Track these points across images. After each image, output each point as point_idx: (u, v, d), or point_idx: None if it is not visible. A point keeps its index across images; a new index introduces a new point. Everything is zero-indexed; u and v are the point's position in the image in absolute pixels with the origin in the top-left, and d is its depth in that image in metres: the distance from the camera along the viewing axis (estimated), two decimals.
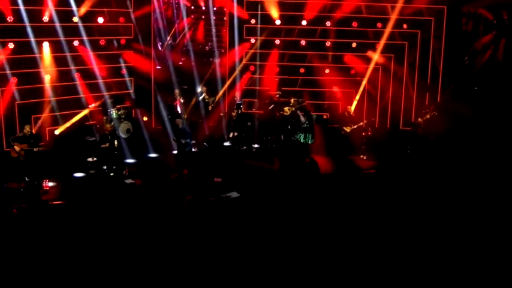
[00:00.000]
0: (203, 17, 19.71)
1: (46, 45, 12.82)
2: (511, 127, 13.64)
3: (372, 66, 15.28)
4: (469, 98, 14.50)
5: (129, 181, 11.32)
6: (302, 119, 12.97)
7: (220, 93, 15.74)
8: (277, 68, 15.73)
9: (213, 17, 17.85)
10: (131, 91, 15.12)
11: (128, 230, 8.32)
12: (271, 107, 14.61)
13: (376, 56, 15.19)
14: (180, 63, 15.57)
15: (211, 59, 17.67)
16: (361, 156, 13.27)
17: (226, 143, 14.39)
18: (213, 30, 18.16)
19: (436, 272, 7.13)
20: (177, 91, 14.67)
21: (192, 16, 19.65)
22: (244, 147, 14.10)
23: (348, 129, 13.51)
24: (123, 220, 8.84)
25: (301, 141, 12.79)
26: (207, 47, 19.59)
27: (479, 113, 13.92)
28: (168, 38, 18.78)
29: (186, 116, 14.03)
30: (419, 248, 7.85)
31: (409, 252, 7.67)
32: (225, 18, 16.18)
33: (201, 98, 14.75)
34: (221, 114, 14.96)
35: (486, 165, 11.95)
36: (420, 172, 11.96)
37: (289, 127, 13.82)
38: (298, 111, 13.23)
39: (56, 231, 8.33)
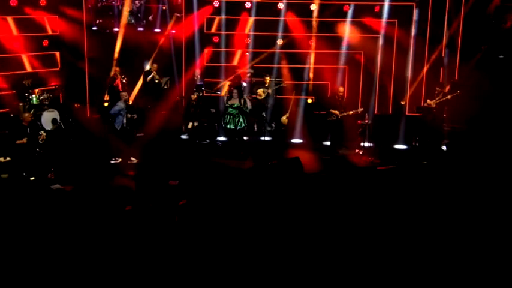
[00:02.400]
0: None
1: None
2: None
3: (369, 35, 15.61)
4: (492, 70, 14.72)
5: (55, 187, 11.17)
6: (248, 104, 13.73)
7: (175, 71, 15.88)
8: (248, 38, 15.89)
9: None
10: (57, 69, 15.13)
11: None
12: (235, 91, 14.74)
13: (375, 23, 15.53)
14: (116, 29, 15.76)
15: (162, 27, 17.65)
16: (357, 150, 13.47)
17: (184, 136, 14.56)
18: None
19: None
20: (117, 68, 14.79)
21: None
22: (207, 141, 14.31)
23: (336, 113, 13.53)
24: (51, 241, 8.30)
25: (231, 127, 13.42)
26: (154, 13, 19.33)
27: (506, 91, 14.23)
28: None
29: (130, 102, 14.10)
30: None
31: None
32: None
33: (150, 77, 14.86)
34: (177, 98, 15.05)
35: None
36: (431, 171, 11.86)
37: (263, 114, 14.09)
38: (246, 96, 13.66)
39: None
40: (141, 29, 16.54)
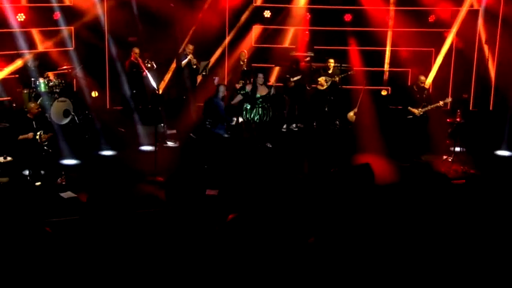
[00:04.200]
0: None
1: None
2: None
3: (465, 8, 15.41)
4: None
5: (67, 195, 11.17)
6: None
7: (217, 53, 15.97)
8: (308, 13, 15.94)
9: None
10: (71, 48, 15.33)
11: None
12: (296, 78, 14.79)
13: None
14: None
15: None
16: (445, 156, 13.16)
17: (226, 134, 14.43)
18: None
19: None
20: (136, 50, 14.90)
21: None
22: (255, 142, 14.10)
23: (418, 112, 13.40)
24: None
25: (256, 121, 13.50)
26: None
27: None
28: None
29: (160, 91, 14.64)
30: None
31: None
32: None
33: (185, 61, 14.92)
34: (214, 81, 15.13)
35: None
36: None
37: (326, 109, 14.08)
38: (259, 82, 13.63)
39: None
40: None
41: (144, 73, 14.74)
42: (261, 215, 9.00)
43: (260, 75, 13.53)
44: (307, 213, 9.41)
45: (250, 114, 13.56)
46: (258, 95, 13.50)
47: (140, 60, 14.80)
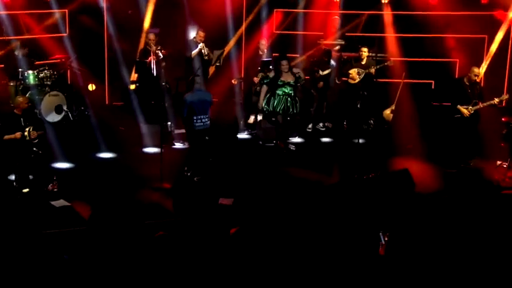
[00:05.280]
0: None
1: None
2: None
3: None
4: None
5: (59, 203, 11.21)
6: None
7: (232, 42, 16.07)
8: None
9: None
10: (65, 34, 15.43)
11: None
12: (326, 72, 14.78)
13: None
14: None
15: None
16: (498, 162, 13.00)
17: (243, 134, 14.76)
18: None
19: None
20: (151, 36, 14.91)
21: None
22: (274, 143, 14.25)
23: (469, 110, 13.18)
24: None
25: (280, 112, 13.57)
26: None
27: None
28: None
29: (168, 85, 14.68)
30: None
31: None
32: None
33: (195, 51, 14.87)
34: (233, 81, 15.22)
35: None
36: None
37: (358, 106, 13.93)
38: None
39: None
40: None
41: (154, 61, 14.75)
42: (270, 229, 9.42)
43: (284, 62, 13.59)
44: (337, 226, 9.76)
45: (273, 104, 13.50)
46: (281, 82, 13.44)
47: (153, 47, 14.79)
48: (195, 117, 12.36)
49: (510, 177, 12.50)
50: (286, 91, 13.44)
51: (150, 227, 9.62)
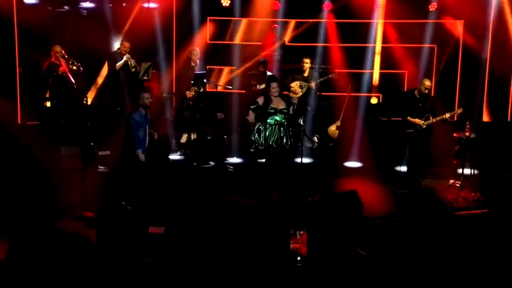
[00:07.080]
0: None
1: None
2: None
3: None
4: None
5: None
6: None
7: (161, 53, 16.02)
8: (277, 2, 16.02)
9: None
10: None
11: None
12: (263, 86, 14.10)
13: None
14: None
15: None
16: (451, 181, 12.94)
17: (175, 155, 14.66)
18: None
19: None
20: (57, 48, 14.44)
21: None
22: (211, 164, 14.34)
23: (418, 123, 13.10)
24: None
25: (272, 145, 12.89)
26: None
27: None
28: None
29: (89, 101, 14.35)
30: None
31: None
32: None
33: (120, 63, 14.66)
34: (164, 95, 15.30)
35: None
36: None
37: (300, 122, 14.14)
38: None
39: None
40: None
41: (69, 76, 14.37)
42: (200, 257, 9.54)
43: (274, 85, 12.75)
44: (273, 251, 9.75)
45: (265, 136, 12.83)
46: (271, 109, 12.75)
47: (63, 62, 14.36)
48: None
49: (463, 197, 12.47)
50: (278, 119, 12.70)
51: (72, 259, 9.66)
